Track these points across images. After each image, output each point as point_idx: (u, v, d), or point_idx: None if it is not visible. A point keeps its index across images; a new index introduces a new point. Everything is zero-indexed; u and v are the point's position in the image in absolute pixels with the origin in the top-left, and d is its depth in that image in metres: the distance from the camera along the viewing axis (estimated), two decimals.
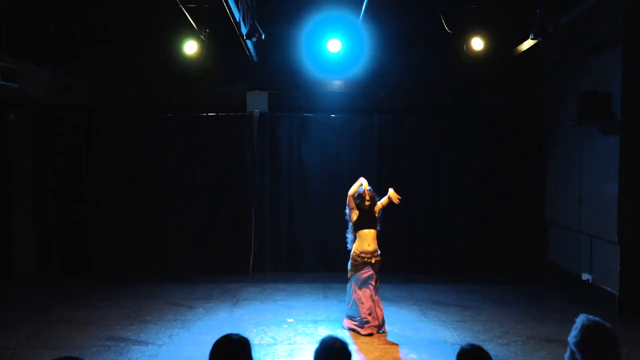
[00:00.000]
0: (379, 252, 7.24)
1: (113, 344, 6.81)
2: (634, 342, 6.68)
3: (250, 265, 10.66)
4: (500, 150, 10.70)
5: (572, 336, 2.75)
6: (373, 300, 7.17)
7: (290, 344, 6.85)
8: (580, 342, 2.70)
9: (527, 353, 6.56)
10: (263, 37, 8.30)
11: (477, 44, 9.75)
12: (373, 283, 7.19)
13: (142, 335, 7.14)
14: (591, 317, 2.76)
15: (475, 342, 3.40)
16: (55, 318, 7.83)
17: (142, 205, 10.64)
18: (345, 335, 6.80)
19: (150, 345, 6.76)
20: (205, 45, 9.85)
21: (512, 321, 7.73)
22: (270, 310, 8.23)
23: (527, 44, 9.36)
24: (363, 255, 7.15)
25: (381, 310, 7.29)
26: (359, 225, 7.23)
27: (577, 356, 2.71)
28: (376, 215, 7.32)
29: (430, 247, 10.75)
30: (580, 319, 2.77)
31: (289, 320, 7.76)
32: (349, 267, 7.30)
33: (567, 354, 2.79)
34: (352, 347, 2.92)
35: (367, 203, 7.22)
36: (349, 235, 7.41)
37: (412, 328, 7.41)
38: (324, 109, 10.87)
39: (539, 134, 10.66)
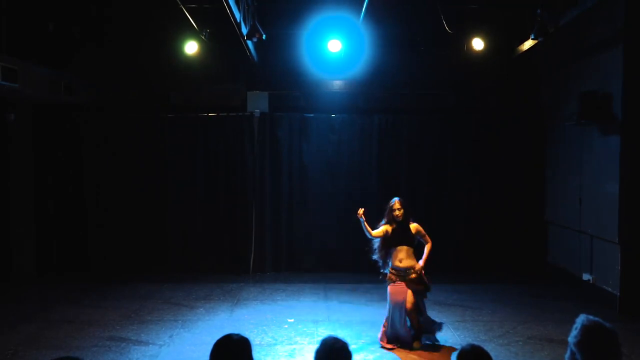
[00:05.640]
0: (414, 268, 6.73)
1: (113, 344, 6.81)
2: (635, 342, 6.69)
3: (251, 266, 10.66)
4: (501, 150, 10.70)
5: (573, 336, 2.75)
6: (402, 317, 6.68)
7: (291, 344, 6.85)
8: (581, 343, 2.70)
9: (528, 353, 6.56)
10: (264, 37, 8.31)
11: (478, 44, 9.75)
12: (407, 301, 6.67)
13: (142, 335, 7.14)
14: (591, 317, 2.76)
15: (475, 342, 3.40)
16: (55, 318, 7.84)
17: (142, 205, 10.65)
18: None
19: (150, 345, 6.76)
20: (205, 46, 9.85)
21: (512, 321, 7.73)
22: (271, 311, 8.23)
23: (527, 44, 9.36)
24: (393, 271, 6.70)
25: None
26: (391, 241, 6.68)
27: (578, 356, 2.70)
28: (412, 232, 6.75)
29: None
30: (581, 319, 2.77)
31: (289, 320, 7.76)
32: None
33: (567, 354, 2.79)
34: (353, 348, 2.92)
35: (396, 213, 6.65)
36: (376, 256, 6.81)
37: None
38: (324, 109, 10.87)
39: (539, 134, 10.65)
